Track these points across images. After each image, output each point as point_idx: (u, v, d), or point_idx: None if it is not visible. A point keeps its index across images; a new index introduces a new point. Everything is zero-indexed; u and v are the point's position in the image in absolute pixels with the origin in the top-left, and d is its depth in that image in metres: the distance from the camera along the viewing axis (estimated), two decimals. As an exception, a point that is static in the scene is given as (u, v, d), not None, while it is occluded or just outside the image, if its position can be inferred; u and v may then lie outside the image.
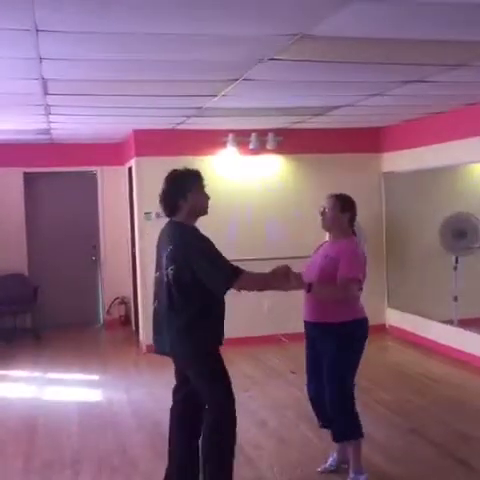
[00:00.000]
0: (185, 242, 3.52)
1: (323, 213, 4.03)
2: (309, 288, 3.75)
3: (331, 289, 3.86)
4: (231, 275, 3.42)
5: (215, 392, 3.60)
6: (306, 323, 4.06)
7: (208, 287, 3.46)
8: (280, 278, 3.58)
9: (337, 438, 4.02)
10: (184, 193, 3.57)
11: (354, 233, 4.10)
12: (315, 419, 4.24)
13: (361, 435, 3.94)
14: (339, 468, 4.13)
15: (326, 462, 4.18)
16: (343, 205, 4.00)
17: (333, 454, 4.18)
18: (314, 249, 4.24)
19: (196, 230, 3.59)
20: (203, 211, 3.66)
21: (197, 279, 3.44)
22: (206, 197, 3.65)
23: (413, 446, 4.55)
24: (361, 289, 3.95)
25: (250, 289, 3.74)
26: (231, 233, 7.41)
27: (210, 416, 3.59)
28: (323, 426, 4.17)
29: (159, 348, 3.69)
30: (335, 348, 3.86)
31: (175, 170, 3.71)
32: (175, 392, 3.82)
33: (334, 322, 3.86)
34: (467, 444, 4.61)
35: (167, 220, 3.73)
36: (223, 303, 3.61)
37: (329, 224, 4.02)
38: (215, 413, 3.59)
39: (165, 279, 3.55)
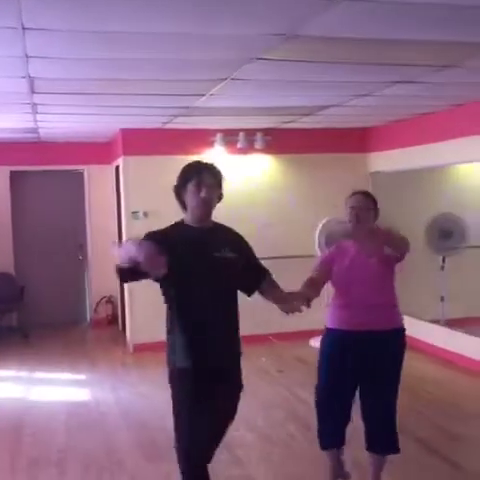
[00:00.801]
0: None
1: (359, 216, 3.60)
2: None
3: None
4: None
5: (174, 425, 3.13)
6: (354, 333, 3.65)
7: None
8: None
9: (384, 452, 3.80)
10: (183, 188, 3.14)
11: None
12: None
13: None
14: None
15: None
16: (373, 203, 3.71)
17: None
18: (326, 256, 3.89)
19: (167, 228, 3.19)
20: (193, 212, 3.13)
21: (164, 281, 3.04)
22: (194, 197, 3.09)
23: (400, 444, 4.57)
24: None
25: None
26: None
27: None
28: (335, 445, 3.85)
29: None
30: (396, 357, 3.69)
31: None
32: None
33: (396, 328, 3.69)
34: (452, 442, 4.65)
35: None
36: (194, 311, 3.07)
37: (362, 225, 3.60)
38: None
39: None
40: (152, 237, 2.98)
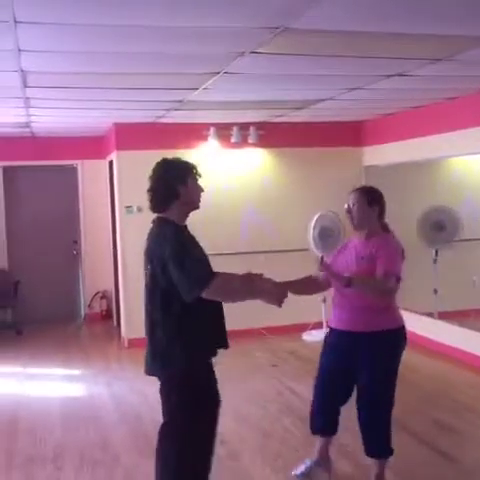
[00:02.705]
0: (162, 240, 3.14)
1: (349, 210, 3.66)
2: (349, 282, 3.44)
3: (372, 282, 3.55)
4: (201, 277, 3.02)
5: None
6: (342, 332, 3.72)
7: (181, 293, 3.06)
8: (262, 281, 3.19)
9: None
10: (181, 180, 3.20)
11: (387, 228, 3.75)
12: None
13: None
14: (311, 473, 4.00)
15: (303, 466, 3.98)
16: (370, 198, 3.67)
17: (307, 462, 3.99)
18: (337, 248, 3.89)
19: (178, 229, 3.20)
20: (193, 205, 3.27)
21: (172, 284, 3.06)
22: (197, 188, 3.27)
23: (392, 436, 4.58)
24: (398, 286, 3.65)
25: (224, 295, 3.15)
26: (211, 227, 7.40)
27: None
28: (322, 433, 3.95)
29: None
30: (377, 357, 3.65)
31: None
32: None
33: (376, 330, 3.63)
34: (445, 434, 4.67)
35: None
36: (211, 312, 3.15)
37: (358, 221, 3.65)
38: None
39: (146, 281, 3.24)
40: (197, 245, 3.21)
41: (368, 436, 3.74)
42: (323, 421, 3.90)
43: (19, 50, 3.78)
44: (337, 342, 3.77)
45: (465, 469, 4.12)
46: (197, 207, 3.28)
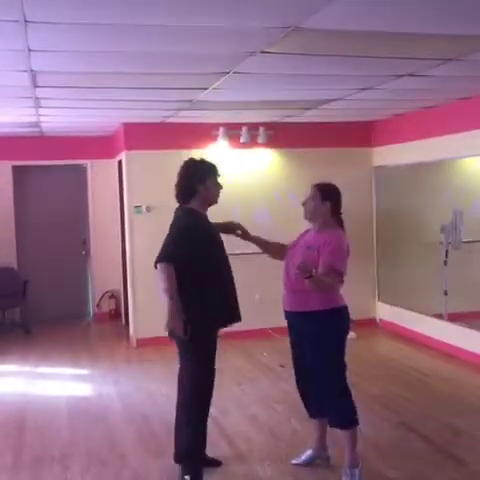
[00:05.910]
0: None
1: (304, 203, 4.00)
2: (310, 277, 3.58)
3: (325, 282, 3.71)
4: (160, 254, 3.77)
5: None
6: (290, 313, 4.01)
7: None
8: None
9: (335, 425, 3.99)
10: (205, 179, 3.92)
11: (341, 224, 3.99)
12: (305, 412, 4.23)
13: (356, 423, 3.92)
14: (313, 464, 4.17)
15: (300, 457, 4.21)
16: (323, 194, 3.94)
17: (308, 450, 4.22)
18: (294, 239, 4.23)
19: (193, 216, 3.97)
20: (213, 200, 4.01)
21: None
22: (217, 187, 4.00)
23: (402, 440, 4.56)
24: (342, 282, 3.81)
25: (160, 278, 3.77)
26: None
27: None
28: (312, 416, 4.19)
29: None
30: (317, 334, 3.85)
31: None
32: None
33: (316, 310, 3.82)
34: (456, 437, 4.63)
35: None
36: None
37: (309, 214, 3.98)
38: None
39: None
40: (197, 231, 3.87)
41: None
42: (308, 405, 4.16)
43: (29, 50, 3.78)
44: (290, 323, 4.03)
45: (477, 473, 4.08)
46: (215, 202, 4.00)
